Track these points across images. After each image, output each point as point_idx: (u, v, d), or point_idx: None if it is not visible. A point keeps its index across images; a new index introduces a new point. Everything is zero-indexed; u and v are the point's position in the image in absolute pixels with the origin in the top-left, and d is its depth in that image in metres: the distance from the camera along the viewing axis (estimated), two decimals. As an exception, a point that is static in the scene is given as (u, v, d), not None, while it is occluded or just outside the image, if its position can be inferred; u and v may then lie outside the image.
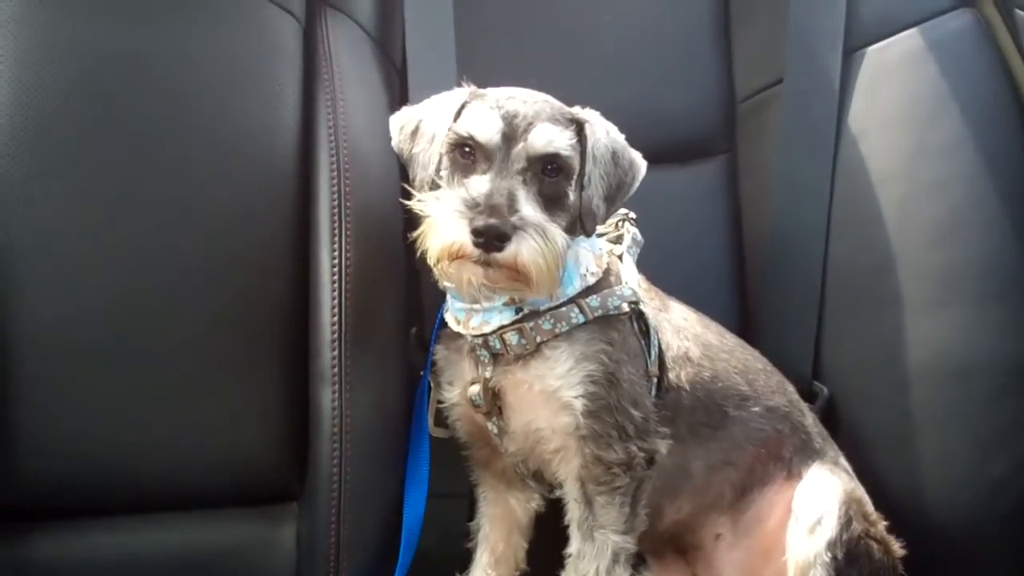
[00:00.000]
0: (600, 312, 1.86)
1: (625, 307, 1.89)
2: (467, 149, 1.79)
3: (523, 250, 1.66)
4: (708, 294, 2.44)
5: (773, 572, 1.96)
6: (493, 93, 1.84)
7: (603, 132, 1.86)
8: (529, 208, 1.70)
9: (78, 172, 1.79)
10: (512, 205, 1.68)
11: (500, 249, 1.66)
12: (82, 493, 1.85)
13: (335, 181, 1.90)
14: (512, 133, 1.75)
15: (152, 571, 1.88)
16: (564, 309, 1.85)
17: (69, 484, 1.83)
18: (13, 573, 1.82)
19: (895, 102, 2.23)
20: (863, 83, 2.28)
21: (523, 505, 2.11)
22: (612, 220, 2.10)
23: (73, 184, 1.79)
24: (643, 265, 2.06)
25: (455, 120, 1.82)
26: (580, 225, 1.84)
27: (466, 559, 2.11)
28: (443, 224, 1.70)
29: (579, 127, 1.84)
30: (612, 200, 1.88)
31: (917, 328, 2.12)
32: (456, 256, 1.69)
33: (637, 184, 1.91)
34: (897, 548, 1.99)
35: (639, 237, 2.09)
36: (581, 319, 1.84)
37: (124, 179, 1.81)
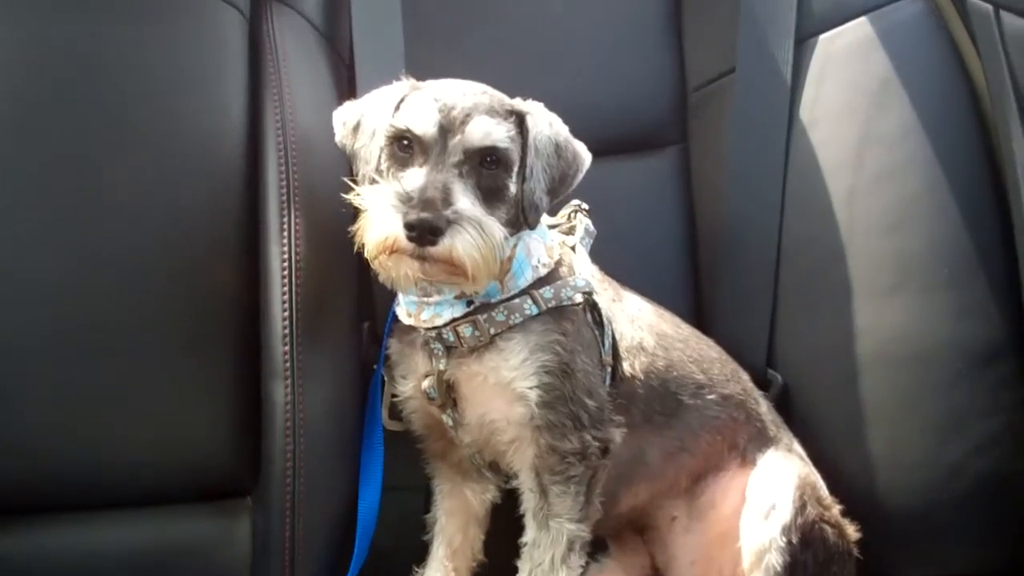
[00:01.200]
0: (554, 303, 1.89)
1: (578, 297, 1.92)
2: (405, 142, 1.81)
3: (457, 244, 1.68)
4: (662, 284, 2.46)
5: (729, 558, 2.01)
6: (432, 86, 1.87)
7: (545, 124, 1.89)
8: (465, 201, 1.73)
9: (21, 169, 1.81)
10: (447, 198, 1.71)
11: (434, 243, 1.68)
12: (33, 490, 1.88)
13: (283, 176, 1.93)
14: (449, 125, 1.77)
15: (105, 568, 1.91)
16: (517, 301, 1.88)
17: (19, 481, 1.86)
18: None
19: (846, 90, 2.27)
20: (814, 71, 2.32)
21: (479, 496, 2.14)
22: (564, 211, 2.14)
23: (16, 182, 1.82)
24: (596, 256, 2.09)
25: (394, 114, 1.84)
26: (523, 218, 1.86)
27: (423, 552, 2.14)
28: (378, 218, 1.72)
29: (520, 119, 1.86)
30: (555, 192, 1.90)
31: (870, 315, 2.16)
32: (392, 250, 1.72)
33: (581, 176, 1.93)
34: (852, 532, 2.03)
35: (591, 228, 2.13)
36: (535, 310, 1.87)
37: (68, 176, 1.84)
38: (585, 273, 1.98)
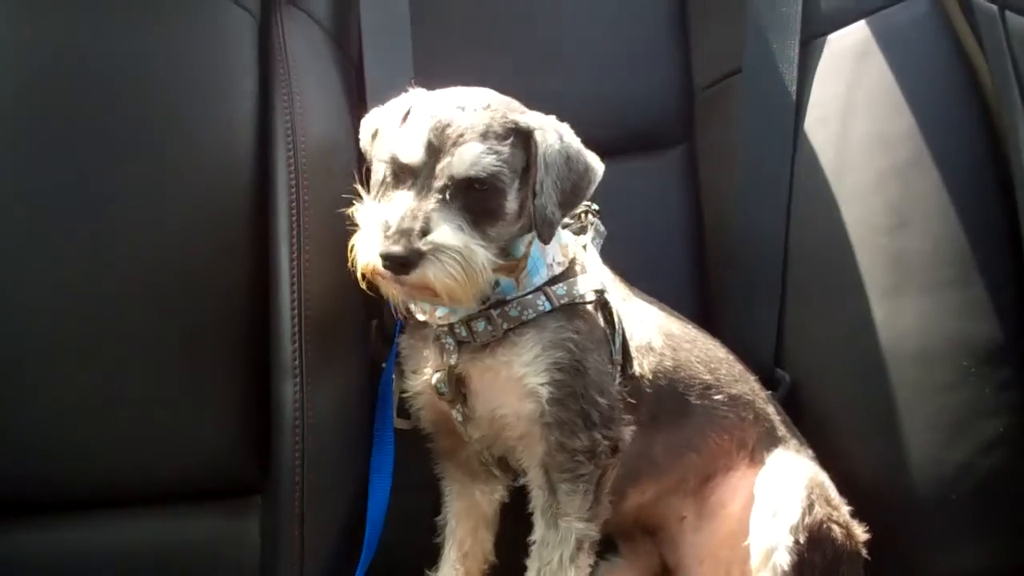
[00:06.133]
0: (566, 300, 1.94)
1: (591, 295, 1.97)
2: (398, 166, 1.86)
3: (429, 274, 1.75)
4: (669, 284, 2.51)
5: (737, 557, 2.05)
6: (433, 100, 1.90)
7: (555, 138, 1.90)
8: (444, 230, 1.76)
9: (31, 175, 1.87)
10: (426, 227, 1.76)
11: (407, 273, 1.76)
12: (46, 489, 1.93)
13: (293, 176, 1.97)
14: (441, 145, 1.80)
15: (116, 566, 1.96)
16: (531, 297, 1.93)
17: (33, 480, 1.91)
18: None
19: (852, 90, 2.31)
20: (821, 71, 2.37)
21: (488, 497, 2.18)
22: (575, 211, 2.17)
23: (27, 187, 1.87)
24: (604, 256, 2.14)
25: (396, 130, 1.88)
26: (536, 233, 1.89)
27: (432, 552, 2.17)
28: (362, 244, 1.82)
29: (526, 135, 1.88)
30: (568, 205, 1.93)
31: (876, 314, 2.20)
32: (374, 274, 1.81)
33: (593, 187, 1.95)
34: (860, 532, 2.07)
35: (602, 228, 2.18)
36: (548, 306, 1.93)
37: (78, 181, 1.89)
38: (598, 272, 2.04)
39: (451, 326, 1.94)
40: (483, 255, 1.80)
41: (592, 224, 2.17)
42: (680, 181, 2.70)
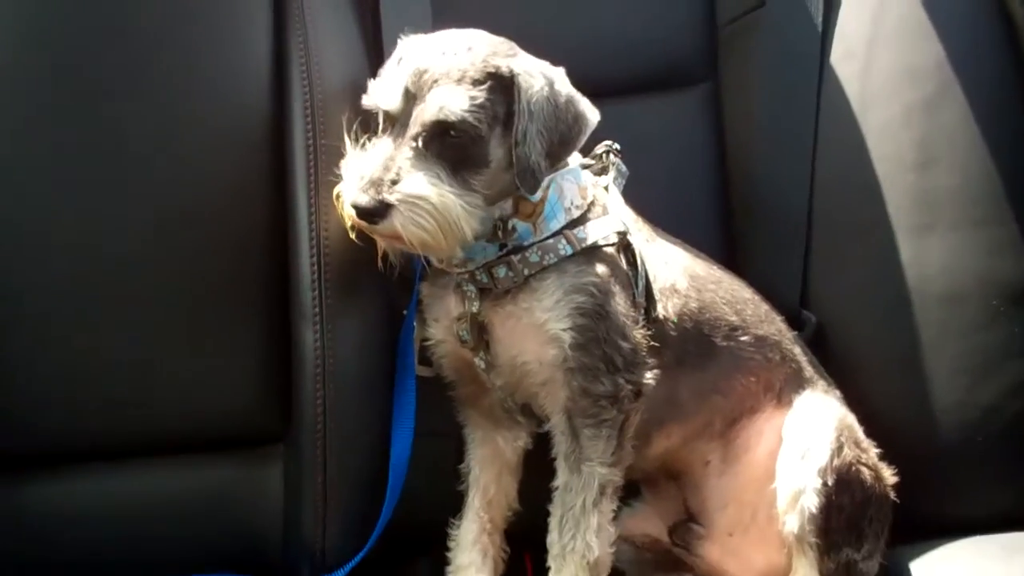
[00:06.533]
0: (588, 243, 1.92)
1: (613, 238, 1.95)
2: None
3: (397, 224, 1.74)
4: (693, 225, 2.46)
5: (763, 500, 2.04)
6: (423, 45, 1.86)
7: (542, 84, 1.84)
8: (415, 178, 1.75)
9: (43, 119, 1.85)
10: (396, 176, 1.75)
11: (376, 223, 1.75)
12: (70, 439, 1.93)
13: (309, 118, 1.94)
14: (417, 91, 1.78)
15: (138, 516, 1.97)
16: (551, 241, 1.90)
17: (57, 430, 1.92)
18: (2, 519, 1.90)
19: (879, 21, 2.27)
20: (847, 3, 2.33)
21: (511, 444, 2.17)
22: (596, 151, 2.14)
23: (38, 130, 1.85)
24: (626, 196, 2.10)
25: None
26: (517, 183, 1.84)
27: (456, 499, 2.16)
28: (342, 195, 1.82)
29: (507, 81, 1.82)
30: (555, 156, 1.88)
31: (904, 253, 2.18)
32: (356, 224, 1.80)
33: (584, 138, 1.91)
34: (889, 475, 2.05)
35: (623, 168, 2.14)
36: (569, 250, 1.90)
37: (90, 122, 1.86)
38: (619, 214, 2.00)
39: (472, 273, 1.92)
40: (457, 205, 1.77)
41: (614, 164, 2.13)
42: (703, 119, 2.64)
